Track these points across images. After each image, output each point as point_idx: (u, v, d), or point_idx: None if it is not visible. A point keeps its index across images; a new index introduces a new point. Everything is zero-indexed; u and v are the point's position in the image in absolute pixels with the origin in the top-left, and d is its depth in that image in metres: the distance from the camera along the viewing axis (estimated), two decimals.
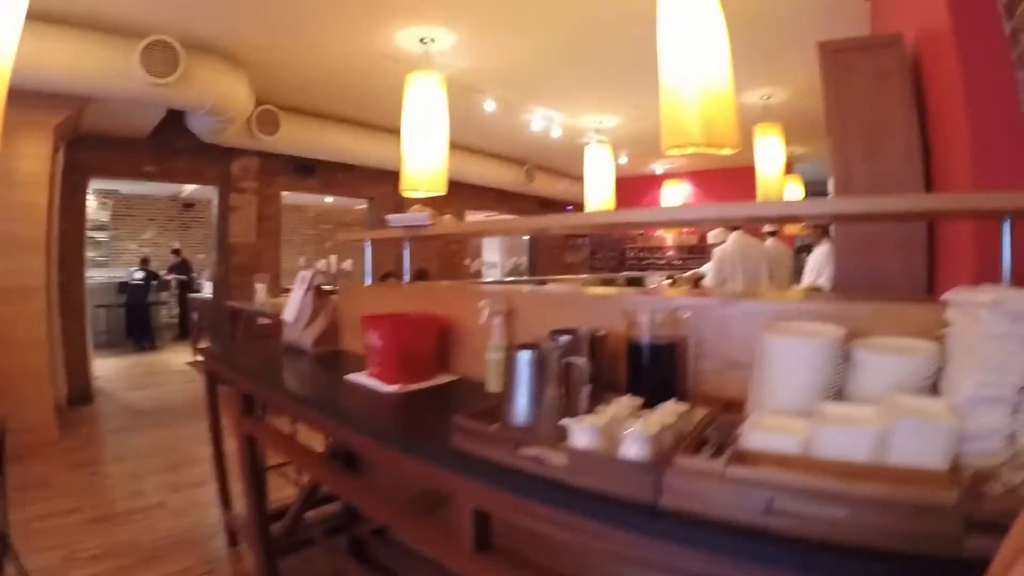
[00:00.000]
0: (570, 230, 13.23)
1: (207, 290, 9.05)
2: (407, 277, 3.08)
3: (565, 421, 1.20)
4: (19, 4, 2.30)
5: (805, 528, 0.91)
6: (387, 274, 6.76)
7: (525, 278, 10.95)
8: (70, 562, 2.96)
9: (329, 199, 13.13)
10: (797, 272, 6.71)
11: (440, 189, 4.98)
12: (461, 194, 9.70)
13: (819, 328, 1.31)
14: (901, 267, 2.83)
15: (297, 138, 7.51)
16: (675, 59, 2.81)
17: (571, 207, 13.02)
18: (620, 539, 1.05)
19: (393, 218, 2.77)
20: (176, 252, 12.23)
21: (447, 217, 2.78)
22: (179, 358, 9.52)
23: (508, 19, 5.00)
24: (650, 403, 1.32)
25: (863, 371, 1.18)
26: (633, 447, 1.09)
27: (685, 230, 12.08)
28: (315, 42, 5.40)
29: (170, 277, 11.93)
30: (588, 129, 8.34)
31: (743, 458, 1.05)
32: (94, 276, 9.94)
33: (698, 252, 11.50)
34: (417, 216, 2.62)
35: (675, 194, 11.85)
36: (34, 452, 4.52)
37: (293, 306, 2.86)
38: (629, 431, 1.11)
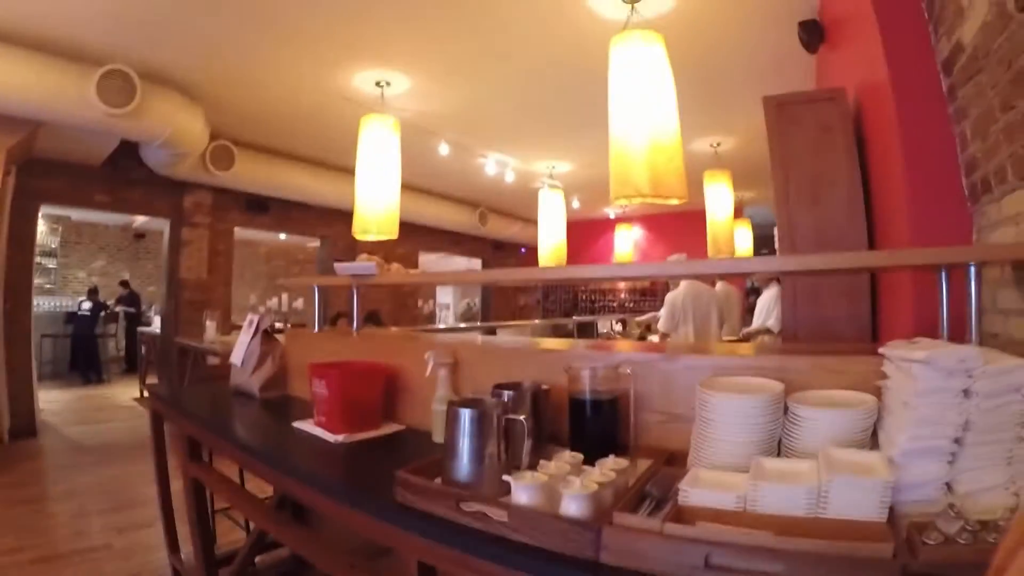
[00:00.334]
0: (518, 283, 13.37)
1: (156, 324, 8.84)
2: (356, 323, 3.06)
3: (507, 477, 1.20)
4: None
5: None
6: (339, 314, 6.71)
7: (477, 323, 10.92)
8: None
9: (282, 236, 13.01)
10: (748, 314, 6.83)
11: (392, 233, 4.94)
12: (415, 235, 9.73)
13: (758, 383, 1.34)
14: (847, 313, 2.90)
15: (251, 174, 7.44)
16: (624, 111, 2.87)
17: (524, 249, 13.14)
18: None
19: (340, 267, 2.75)
20: (124, 284, 11.97)
21: (395, 266, 2.77)
22: (126, 393, 9.24)
23: (463, 66, 5.09)
24: (592, 457, 1.32)
25: (802, 425, 1.21)
26: (572, 505, 1.09)
27: None
28: (272, 80, 5.40)
29: (119, 309, 11.64)
30: (541, 174, 8.48)
31: (681, 514, 1.06)
32: (41, 304, 9.66)
33: (650, 295, 11.65)
34: (364, 265, 2.61)
35: (627, 238, 11.97)
36: None
37: (240, 350, 2.80)
38: (568, 490, 1.12)
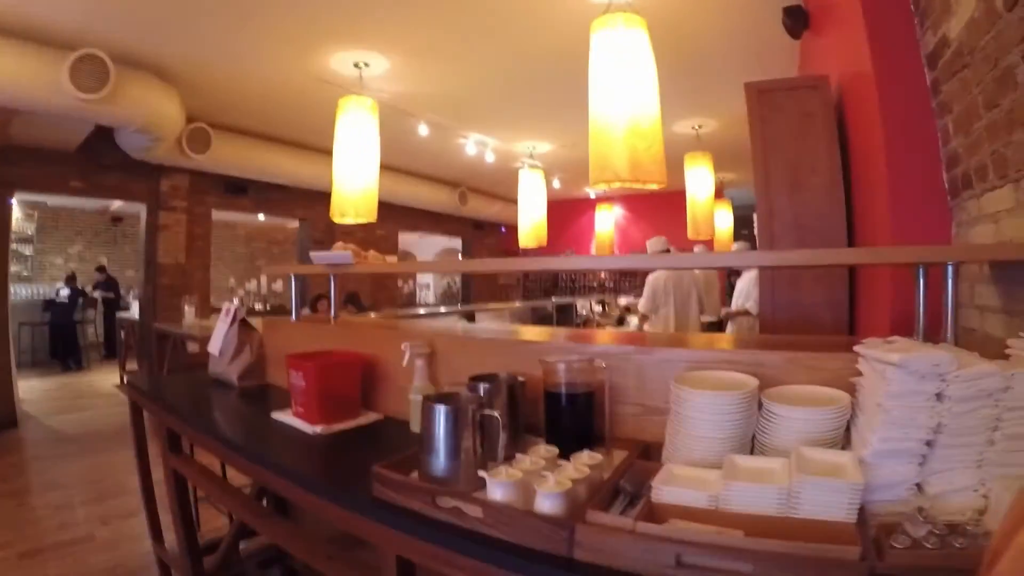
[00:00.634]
0: (494, 270, 13.34)
1: (135, 309, 8.75)
2: (334, 311, 3.04)
3: (482, 473, 1.20)
4: None
5: None
6: (319, 296, 6.69)
7: (458, 305, 10.91)
8: None
9: (261, 217, 12.88)
10: (728, 294, 6.88)
11: (370, 216, 4.89)
12: (395, 215, 9.68)
13: (732, 378, 1.34)
14: (825, 299, 2.93)
15: (229, 157, 7.32)
16: (604, 95, 2.84)
17: (504, 228, 13.10)
18: None
19: (316, 256, 2.73)
20: (101, 269, 11.81)
21: (371, 253, 2.75)
22: (107, 379, 9.15)
23: (441, 47, 5.02)
24: (567, 450, 1.32)
25: (775, 422, 1.21)
26: (546, 503, 1.10)
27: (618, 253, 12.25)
28: (248, 61, 5.30)
29: (96, 294, 11.51)
30: (521, 154, 8.43)
31: (654, 512, 1.07)
32: (18, 292, 9.52)
33: (630, 276, 11.61)
34: (340, 254, 2.60)
35: (608, 218, 12.00)
36: None
37: (218, 339, 2.77)
38: (542, 487, 1.12)
